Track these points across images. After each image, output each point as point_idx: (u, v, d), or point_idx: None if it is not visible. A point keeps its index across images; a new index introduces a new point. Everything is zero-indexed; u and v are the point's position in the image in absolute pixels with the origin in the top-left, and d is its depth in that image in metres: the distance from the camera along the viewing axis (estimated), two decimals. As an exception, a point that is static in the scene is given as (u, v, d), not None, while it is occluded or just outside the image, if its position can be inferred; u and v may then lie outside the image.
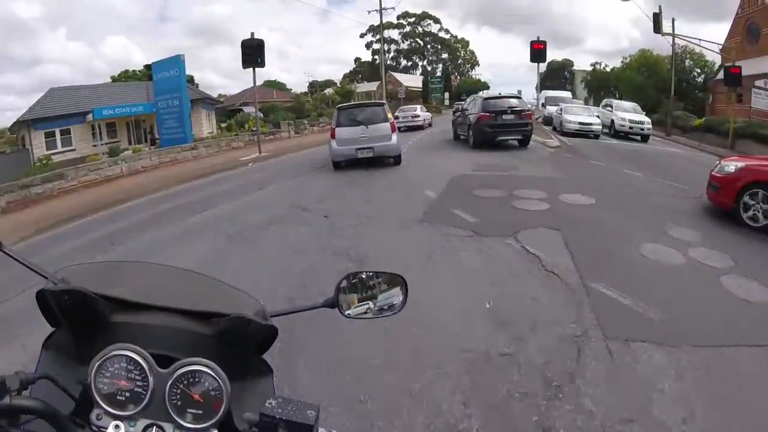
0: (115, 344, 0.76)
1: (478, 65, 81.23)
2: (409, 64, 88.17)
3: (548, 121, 20.67)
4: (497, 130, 12.59)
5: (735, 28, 25.96)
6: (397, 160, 10.36)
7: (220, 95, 59.87)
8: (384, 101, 12.96)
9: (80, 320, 0.86)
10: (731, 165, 6.18)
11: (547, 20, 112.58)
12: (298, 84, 78.97)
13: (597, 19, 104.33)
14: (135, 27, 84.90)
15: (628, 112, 19.56)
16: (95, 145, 21.03)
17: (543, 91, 27.29)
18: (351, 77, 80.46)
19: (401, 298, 1.05)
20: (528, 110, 13.16)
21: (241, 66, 14.53)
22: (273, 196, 8.13)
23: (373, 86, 72.96)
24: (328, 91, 62.83)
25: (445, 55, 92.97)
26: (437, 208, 6.25)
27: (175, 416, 0.76)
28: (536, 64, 18.31)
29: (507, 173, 8.64)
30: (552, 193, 6.73)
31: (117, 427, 0.73)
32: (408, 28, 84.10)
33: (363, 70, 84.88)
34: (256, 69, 14.15)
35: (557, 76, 73.98)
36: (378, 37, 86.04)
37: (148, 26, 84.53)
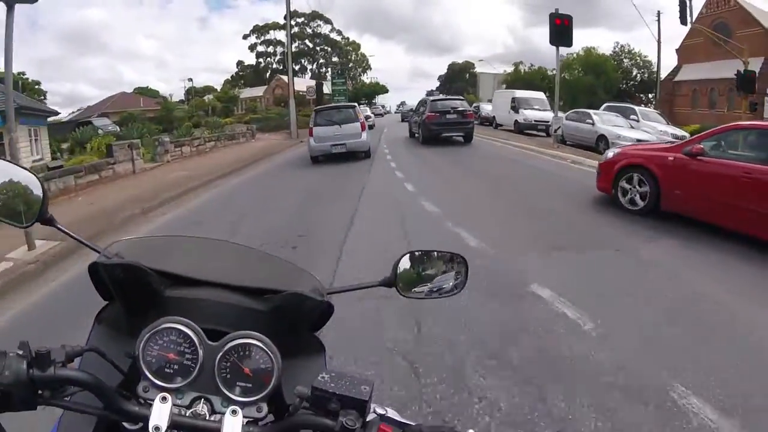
0: (164, 317, 0.75)
1: (370, 69, 74.15)
2: (297, 67, 78.12)
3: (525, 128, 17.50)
4: (442, 128, 14.65)
5: (698, 28, 21.97)
6: (367, 154, 11.93)
7: (88, 107, 46.66)
8: (355, 104, 14.24)
9: (133, 294, 0.86)
10: (611, 151, 6.50)
11: (427, 29, 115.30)
12: (177, 93, 66.87)
13: (473, 27, 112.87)
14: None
15: (658, 123, 15.10)
16: None
17: (498, 91, 24.09)
18: (234, 83, 68.81)
19: (462, 278, 1.02)
20: (469, 111, 15.41)
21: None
22: None
23: (259, 91, 62.30)
24: (208, 97, 50.86)
25: (335, 59, 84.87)
26: None
27: (223, 389, 0.74)
28: (555, 47, 10.83)
29: None
30: None
31: (164, 399, 0.71)
32: (296, 29, 74.41)
33: (246, 75, 72.94)
34: None
35: (459, 78, 69.99)
36: (263, 39, 75.70)
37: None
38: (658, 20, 18.11)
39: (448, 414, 2.22)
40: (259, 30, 74.89)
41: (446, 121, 14.50)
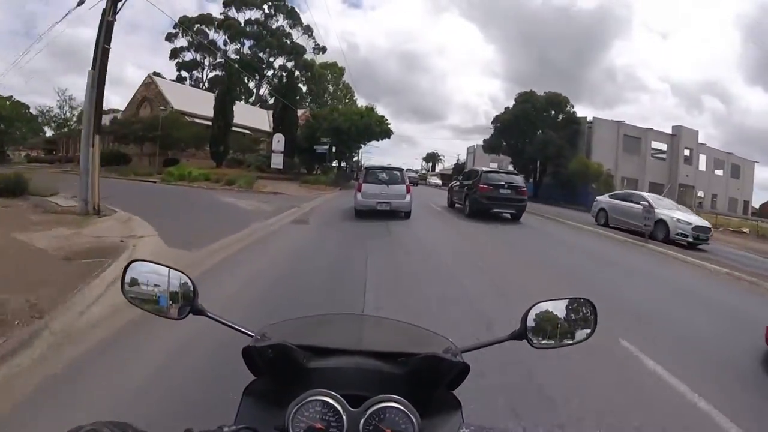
0: (309, 390, 0.86)
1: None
2: (239, 89, 50.19)
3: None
4: (494, 202, 14.63)
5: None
6: (407, 215, 13.30)
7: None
8: (403, 168, 15.62)
9: (280, 369, 0.99)
10: None
11: (413, 95, 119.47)
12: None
13: (458, 97, 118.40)
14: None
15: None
16: None
17: None
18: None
19: (591, 322, 1.10)
20: (523, 187, 15.49)
21: None
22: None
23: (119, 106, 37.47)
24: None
25: (304, 87, 57.18)
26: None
27: None
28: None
29: None
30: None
31: None
32: (245, 26, 47.96)
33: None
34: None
35: (530, 123, 38.33)
36: (193, 39, 51.11)
37: (9, 39, 72.22)
38: None
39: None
40: (188, 24, 45.89)
41: (499, 195, 14.69)
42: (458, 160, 74.96)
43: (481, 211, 14.58)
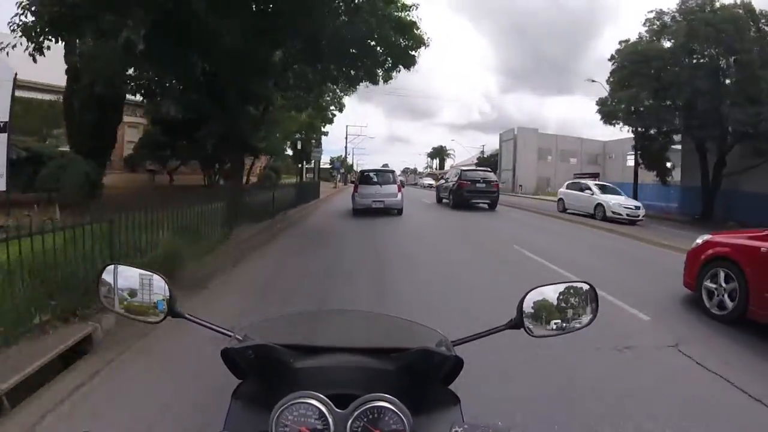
0: (292, 393, 0.83)
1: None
2: None
3: None
4: (473, 195, 18.57)
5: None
6: (399, 212, 15.78)
7: None
8: (394, 169, 19.52)
9: (265, 370, 0.97)
10: (700, 237, 5.78)
11: (406, 93, 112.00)
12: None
13: (451, 93, 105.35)
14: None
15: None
16: None
17: None
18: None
19: (591, 308, 1.06)
20: (495, 181, 19.56)
21: None
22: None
23: None
24: None
25: None
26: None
27: None
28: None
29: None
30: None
31: None
32: None
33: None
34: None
35: (683, 70, 16.95)
36: None
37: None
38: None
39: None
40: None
41: (476, 189, 18.49)
42: (482, 152, 58.23)
43: (462, 202, 18.45)
